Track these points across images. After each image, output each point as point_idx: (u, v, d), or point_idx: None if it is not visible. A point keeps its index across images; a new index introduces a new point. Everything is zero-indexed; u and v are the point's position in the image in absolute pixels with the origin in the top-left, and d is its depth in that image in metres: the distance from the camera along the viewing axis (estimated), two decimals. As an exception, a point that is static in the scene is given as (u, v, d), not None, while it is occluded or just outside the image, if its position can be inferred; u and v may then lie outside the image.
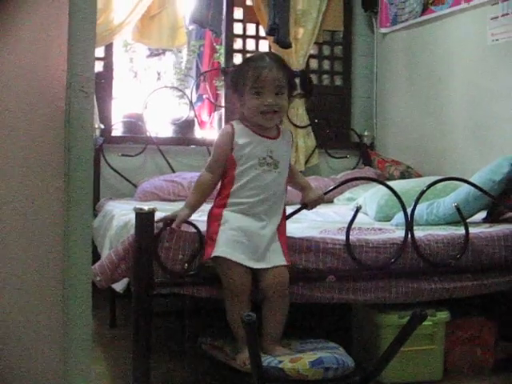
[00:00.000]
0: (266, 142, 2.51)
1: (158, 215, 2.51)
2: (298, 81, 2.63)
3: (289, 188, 2.65)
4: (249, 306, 2.42)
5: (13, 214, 1.65)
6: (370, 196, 3.67)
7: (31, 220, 1.62)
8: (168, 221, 2.47)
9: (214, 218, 2.48)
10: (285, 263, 2.45)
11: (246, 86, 2.47)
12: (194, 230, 2.50)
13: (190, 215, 2.50)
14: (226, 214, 2.45)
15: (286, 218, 2.60)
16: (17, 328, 1.70)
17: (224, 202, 2.48)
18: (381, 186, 3.16)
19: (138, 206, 2.48)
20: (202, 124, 5.39)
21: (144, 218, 2.45)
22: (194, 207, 2.51)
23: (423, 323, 2.23)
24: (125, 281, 2.65)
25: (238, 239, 2.40)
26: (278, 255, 2.45)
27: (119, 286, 2.72)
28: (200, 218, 2.58)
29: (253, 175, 2.46)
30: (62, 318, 1.59)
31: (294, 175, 2.67)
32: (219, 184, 2.55)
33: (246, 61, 2.67)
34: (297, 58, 4.96)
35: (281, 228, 2.52)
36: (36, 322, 1.67)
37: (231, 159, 2.48)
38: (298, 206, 2.68)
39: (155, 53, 6.55)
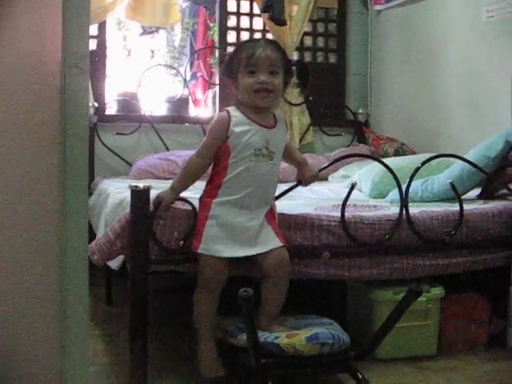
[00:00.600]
0: (263, 131, 2.45)
1: (153, 193, 2.51)
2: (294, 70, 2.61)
3: (284, 165, 2.65)
4: (217, 297, 2.43)
5: (8, 191, 1.65)
6: (365, 173, 3.67)
7: (27, 197, 1.62)
8: (155, 203, 2.47)
9: (203, 207, 2.46)
10: (281, 244, 2.45)
11: (240, 66, 2.43)
12: (189, 207, 2.50)
13: (175, 199, 2.49)
14: (215, 207, 2.42)
15: (276, 200, 2.59)
16: (13, 306, 1.70)
17: (215, 192, 2.44)
18: (375, 163, 3.17)
19: (133, 184, 2.49)
20: (196, 102, 5.38)
21: (139, 196, 2.45)
22: (179, 191, 2.50)
23: (418, 299, 2.25)
24: (120, 258, 2.66)
25: (225, 234, 2.39)
26: (271, 239, 2.44)
27: (114, 264, 2.73)
28: (195, 195, 2.58)
29: (246, 166, 2.42)
30: (59, 296, 1.60)
31: (290, 152, 2.65)
32: (210, 168, 2.51)
33: (240, 43, 2.65)
34: (291, 35, 4.94)
35: (270, 213, 2.50)
36: (33, 300, 1.67)
37: (226, 147, 2.43)
38: (293, 183, 2.68)
39: (148, 31, 6.52)
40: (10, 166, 1.63)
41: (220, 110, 2.52)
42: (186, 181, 2.51)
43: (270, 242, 2.43)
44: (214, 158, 2.47)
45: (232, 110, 2.47)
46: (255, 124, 2.45)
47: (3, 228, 1.68)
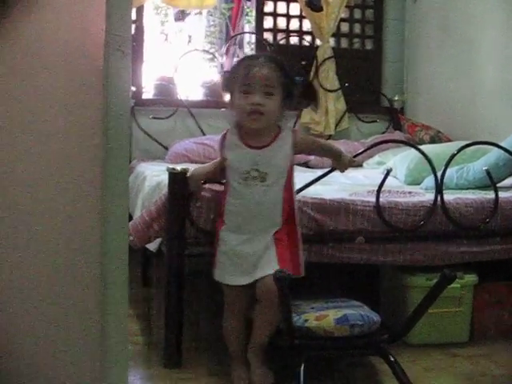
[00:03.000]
0: (250, 153, 2.36)
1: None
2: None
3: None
4: (241, 319, 2.44)
5: (50, 170, 1.69)
6: (400, 160, 3.67)
7: (68, 177, 1.65)
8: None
9: (215, 235, 2.45)
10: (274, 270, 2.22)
11: (236, 84, 2.35)
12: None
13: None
14: (222, 234, 2.40)
15: (291, 222, 2.44)
16: (53, 284, 1.74)
17: (222, 218, 2.43)
18: (411, 150, 3.17)
19: (170, 166, 2.53)
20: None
21: (177, 178, 2.50)
22: (202, 174, 2.51)
23: (451, 285, 2.25)
24: (158, 240, 2.70)
25: (230, 262, 2.37)
26: (269, 264, 2.29)
27: (153, 246, 2.77)
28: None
29: (236, 191, 2.37)
30: (100, 276, 1.63)
31: (320, 146, 2.60)
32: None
33: (240, 60, 2.53)
34: (328, 21, 4.93)
35: (280, 233, 2.38)
36: (73, 280, 1.71)
37: (226, 169, 2.42)
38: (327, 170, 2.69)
39: (181, 16, 6.53)
40: (52, 146, 1.67)
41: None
42: (204, 168, 2.53)
43: (265, 267, 2.31)
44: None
45: (230, 132, 2.43)
46: (244, 146, 2.38)
47: (44, 206, 1.72)
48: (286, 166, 2.41)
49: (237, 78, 2.35)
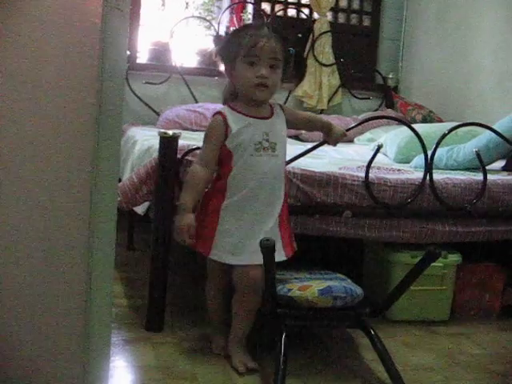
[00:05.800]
0: (260, 123, 2.30)
1: (181, 142, 2.55)
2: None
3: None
4: (224, 290, 2.44)
5: (43, 126, 1.68)
6: (391, 137, 3.68)
7: (62, 133, 1.65)
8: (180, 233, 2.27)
9: (212, 211, 2.29)
10: (283, 258, 2.32)
11: (239, 54, 2.25)
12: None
13: (192, 216, 2.26)
14: (224, 212, 2.27)
15: (287, 202, 2.43)
16: (42, 244, 1.74)
17: (222, 194, 2.28)
18: (402, 128, 3.18)
19: (162, 130, 2.52)
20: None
21: (168, 142, 2.49)
22: (192, 206, 2.28)
23: (434, 264, 2.27)
24: (146, 204, 2.70)
25: (234, 240, 2.26)
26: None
27: (140, 209, 2.77)
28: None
29: (249, 163, 2.26)
30: (87, 237, 1.63)
31: (309, 119, 2.55)
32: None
33: (242, 28, 2.40)
34: (327, -5, 4.92)
35: (282, 216, 2.34)
36: (62, 240, 1.71)
37: (226, 151, 2.27)
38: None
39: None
40: (46, 103, 1.66)
41: (214, 113, 2.35)
42: (195, 193, 2.29)
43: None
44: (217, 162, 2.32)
45: (226, 110, 2.32)
46: (250, 118, 2.30)
47: (34, 163, 1.71)
48: (285, 140, 2.39)
49: (239, 47, 2.25)
